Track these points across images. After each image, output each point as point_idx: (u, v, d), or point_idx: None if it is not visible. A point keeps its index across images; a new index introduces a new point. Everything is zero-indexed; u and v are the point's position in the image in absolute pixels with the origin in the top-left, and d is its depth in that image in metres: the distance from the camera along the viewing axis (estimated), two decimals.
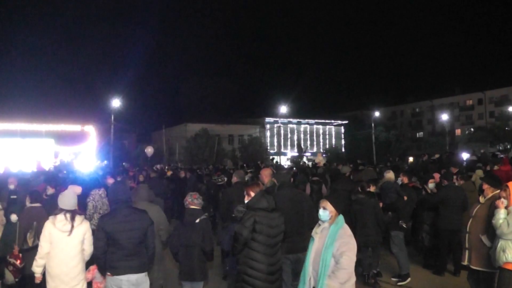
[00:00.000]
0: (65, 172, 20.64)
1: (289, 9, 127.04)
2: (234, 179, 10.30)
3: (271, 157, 51.26)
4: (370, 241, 9.42)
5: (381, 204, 10.12)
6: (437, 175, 12.08)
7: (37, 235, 7.31)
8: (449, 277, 10.13)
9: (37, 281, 6.61)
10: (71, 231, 6.35)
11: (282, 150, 76.85)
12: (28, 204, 8.43)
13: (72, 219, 6.41)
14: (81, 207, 7.89)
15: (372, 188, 10.19)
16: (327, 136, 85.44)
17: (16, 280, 8.11)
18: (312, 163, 30.08)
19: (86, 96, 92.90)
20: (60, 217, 6.43)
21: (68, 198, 6.64)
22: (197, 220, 6.94)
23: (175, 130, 70.16)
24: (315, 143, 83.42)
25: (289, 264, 7.09)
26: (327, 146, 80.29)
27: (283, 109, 62.40)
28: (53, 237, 6.38)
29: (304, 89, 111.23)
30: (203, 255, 7.03)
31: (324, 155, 44.18)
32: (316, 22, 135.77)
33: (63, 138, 36.97)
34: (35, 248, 7.11)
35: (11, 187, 11.54)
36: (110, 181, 11.71)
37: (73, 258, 6.40)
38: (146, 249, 6.31)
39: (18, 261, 8.03)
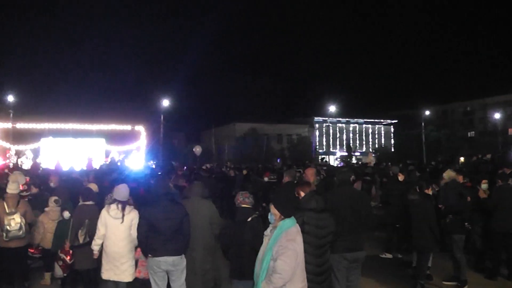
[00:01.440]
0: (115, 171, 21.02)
1: (338, 7, 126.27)
2: (286, 178, 10.23)
3: (320, 157, 50.88)
4: (424, 246, 9.15)
5: (441, 207, 9.84)
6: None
7: (89, 232, 8.02)
8: (502, 281, 9.83)
9: (95, 257, 7.88)
10: (122, 218, 7.64)
11: (331, 149, 76.44)
12: (81, 201, 8.70)
13: (123, 208, 7.70)
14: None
15: (429, 190, 9.76)
16: (376, 136, 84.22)
17: (65, 274, 8.70)
18: (361, 163, 29.77)
19: (136, 96, 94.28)
20: (113, 206, 7.73)
21: (122, 191, 7.86)
22: (249, 219, 6.99)
23: (224, 129, 70.37)
24: (364, 142, 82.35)
25: (346, 263, 6.96)
26: (376, 146, 79.22)
27: (332, 108, 61.96)
28: (107, 222, 7.66)
29: (353, 88, 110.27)
30: (254, 254, 7.01)
31: (373, 155, 43.63)
32: (365, 20, 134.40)
33: (114, 138, 37.55)
34: (85, 245, 8.00)
35: (52, 184, 11.83)
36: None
37: (123, 240, 7.65)
38: (182, 236, 7.25)
39: (68, 257, 8.49)
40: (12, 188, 8.97)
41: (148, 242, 7.11)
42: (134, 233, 7.45)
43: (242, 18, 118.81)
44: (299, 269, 4.99)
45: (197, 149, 38.10)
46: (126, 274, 7.66)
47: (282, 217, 5.07)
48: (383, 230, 12.37)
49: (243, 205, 7.25)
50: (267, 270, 4.93)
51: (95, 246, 7.79)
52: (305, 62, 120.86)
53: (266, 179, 16.17)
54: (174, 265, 7.18)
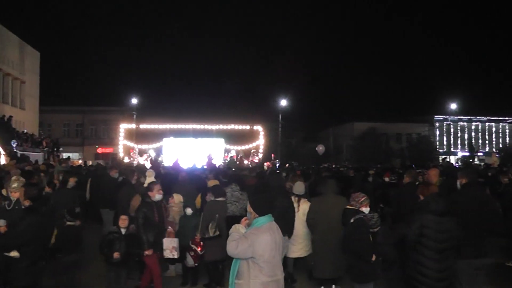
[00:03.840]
0: (233, 169, 21.17)
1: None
2: (406, 179, 9.97)
3: (440, 157, 48.87)
4: None
5: None
6: None
7: (218, 226, 8.61)
8: None
9: None
10: (298, 208, 9.49)
11: (452, 149, 73.34)
12: (211, 198, 9.43)
13: (298, 200, 9.64)
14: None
15: None
16: (500, 135, 79.37)
17: (196, 264, 9.24)
18: (484, 164, 28.10)
19: (255, 96, 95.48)
20: (294, 199, 9.63)
21: (300, 186, 9.88)
22: (352, 220, 6.98)
23: (342, 129, 69.65)
24: (487, 142, 77.92)
25: (471, 270, 6.65)
26: (500, 146, 74.66)
27: (453, 105, 59.45)
28: None
29: (475, 84, 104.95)
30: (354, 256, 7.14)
31: (497, 155, 41.16)
32: (493, 13, 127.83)
33: (233, 137, 38.06)
34: (215, 238, 8.63)
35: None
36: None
37: (300, 224, 9.39)
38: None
39: (199, 248, 9.00)
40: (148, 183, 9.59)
41: None
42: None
43: (360, 17, 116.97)
44: (264, 263, 5.19)
45: (320, 148, 37.80)
46: (301, 251, 9.59)
47: (256, 215, 5.35)
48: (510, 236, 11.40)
49: (347, 206, 7.38)
50: (237, 270, 5.32)
51: None
52: (424, 59, 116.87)
53: (386, 179, 15.62)
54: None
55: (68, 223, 8.24)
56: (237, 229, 5.43)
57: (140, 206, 8.38)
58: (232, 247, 5.21)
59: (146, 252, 8.09)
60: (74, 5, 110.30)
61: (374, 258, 6.86)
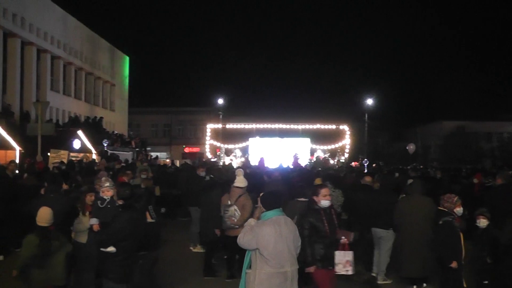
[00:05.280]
0: (320, 169, 20.86)
1: None
2: (498, 180, 9.54)
3: None
4: None
5: None
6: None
7: (298, 226, 7.82)
8: None
9: None
10: None
11: None
12: (303, 199, 8.99)
13: None
14: None
15: None
16: None
17: None
18: None
19: (341, 95, 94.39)
20: None
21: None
22: (440, 222, 7.06)
23: (429, 127, 67.59)
24: None
25: None
26: None
27: None
28: None
29: None
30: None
31: None
32: None
33: (318, 137, 37.75)
34: None
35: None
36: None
37: None
38: None
39: None
40: (239, 181, 9.49)
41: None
42: None
43: (447, 10, 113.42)
44: (268, 255, 5.55)
45: (411, 147, 36.81)
46: None
47: (263, 209, 5.84)
48: None
49: (439, 208, 7.45)
50: (249, 259, 5.78)
51: None
52: None
53: (475, 180, 14.99)
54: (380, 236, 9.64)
55: (150, 220, 8.21)
56: (249, 223, 5.94)
57: (305, 213, 7.32)
58: (240, 238, 5.71)
59: (308, 269, 7.00)
60: (160, 9, 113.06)
61: (454, 264, 6.86)
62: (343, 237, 7.29)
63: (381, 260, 9.69)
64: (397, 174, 17.90)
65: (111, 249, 6.14)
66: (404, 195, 9.76)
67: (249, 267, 5.75)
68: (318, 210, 7.04)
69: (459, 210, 7.32)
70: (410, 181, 11.01)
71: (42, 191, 10.00)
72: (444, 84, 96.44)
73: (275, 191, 7.10)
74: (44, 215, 6.65)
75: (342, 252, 7.26)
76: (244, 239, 5.65)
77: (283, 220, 5.76)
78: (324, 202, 7.05)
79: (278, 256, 5.57)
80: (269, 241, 5.55)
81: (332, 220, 7.17)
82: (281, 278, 5.56)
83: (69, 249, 6.96)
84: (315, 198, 7.13)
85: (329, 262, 7.02)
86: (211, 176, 13.80)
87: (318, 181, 11.68)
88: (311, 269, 6.88)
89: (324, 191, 7.13)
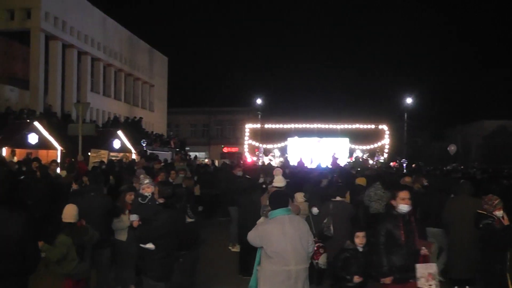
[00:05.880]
0: (358, 169, 20.68)
1: None
2: None
3: None
4: None
5: None
6: None
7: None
8: None
9: None
10: None
11: None
12: (338, 198, 9.32)
13: None
14: None
15: None
16: None
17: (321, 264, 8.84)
18: None
19: (380, 95, 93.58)
20: None
21: None
22: (481, 225, 6.99)
23: (470, 127, 66.43)
24: None
25: None
26: None
27: None
28: None
29: None
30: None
31: None
32: None
33: (357, 137, 37.51)
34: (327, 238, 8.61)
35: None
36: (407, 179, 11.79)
37: None
38: None
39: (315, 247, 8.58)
40: (278, 181, 9.37)
41: None
42: None
43: (487, 7, 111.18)
44: (272, 253, 5.66)
45: (452, 148, 36.22)
46: None
47: (270, 208, 5.98)
48: None
49: (478, 211, 7.36)
50: (260, 255, 5.97)
51: None
52: None
53: None
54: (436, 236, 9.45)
55: (189, 220, 8.21)
56: (260, 221, 6.33)
57: (383, 219, 6.75)
58: (248, 235, 6.00)
59: (384, 280, 6.45)
60: (199, 10, 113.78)
61: (498, 268, 6.65)
62: (423, 248, 6.70)
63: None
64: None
65: (150, 246, 6.18)
66: (453, 196, 9.57)
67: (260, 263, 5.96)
68: (395, 216, 6.45)
69: (498, 213, 7.17)
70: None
71: (74, 186, 10.17)
72: (485, 82, 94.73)
73: (281, 191, 7.00)
74: (69, 212, 6.75)
75: (424, 264, 6.62)
76: (250, 236, 5.93)
77: (288, 219, 5.77)
78: (403, 207, 6.41)
79: (281, 254, 5.61)
80: (272, 240, 5.66)
81: (411, 228, 6.54)
82: (284, 276, 5.58)
83: (94, 241, 7.02)
84: (392, 202, 6.57)
85: (408, 274, 6.41)
86: (247, 176, 13.83)
87: (360, 180, 11.74)
88: (387, 280, 6.35)
89: (402, 194, 6.47)
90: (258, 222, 6.20)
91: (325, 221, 8.70)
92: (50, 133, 22.54)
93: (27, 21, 30.20)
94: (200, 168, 21.61)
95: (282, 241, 5.61)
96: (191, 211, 8.34)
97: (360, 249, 6.93)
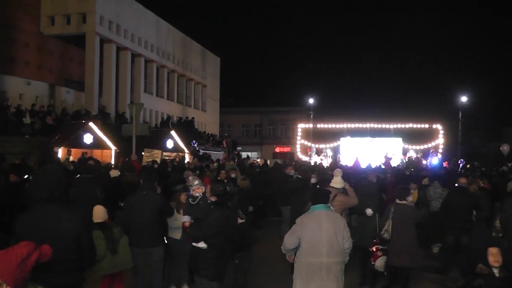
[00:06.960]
0: (412, 170, 20.37)
1: None
2: None
3: None
4: None
5: None
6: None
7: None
8: None
9: None
10: None
11: None
12: (399, 201, 9.11)
13: None
14: None
15: None
16: None
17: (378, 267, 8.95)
18: None
19: (433, 93, 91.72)
20: None
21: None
22: None
23: None
24: None
25: None
26: None
27: None
28: None
29: None
30: None
31: None
32: None
33: (411, 137, 36.97)
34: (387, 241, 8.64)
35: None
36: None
37: None
38: None
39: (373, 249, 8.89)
40: (336, 182, 9.36)
41: None
42: None
43: None
44: (306, 244, 5.94)
45: (505, 148, 35.20)
46: None
47: (310, 204, 6.33)
48: None
49: None
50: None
51: None
52: None
53: None
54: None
55: (240, 220, 8.20)
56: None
57: None
58: (284, 239, 6.26)
59: None
60: (250, 11, 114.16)
61: None
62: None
63: None
64: None
65: (203, 245, 6.20)
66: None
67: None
68: None
69: None
70: None
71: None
72: None
73: (324, 189, 7.30)
74: (98, 213, 7.13)
75: None
76: (292, 229, 6.23)
77: (325, 214, 6.05)
78: None
79: (315, 246, 5.89)
80: (308, 232, 5.94)
81: None
82: (316, 267, 5.86)
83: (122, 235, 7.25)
84: None
85: None
86: (298, 176, 13.73)
87: (425, 181, 11.82)
88: None
89: None
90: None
91: (385, 224, 8.65)
92: (105, 134, 23.01)
93: (83, 25, 30.91)
94: (257, 168, 21.62)
95: (317, 233, 5.90)
96: (241, 212, 8.36)
97: (496, 273, 6.12)
